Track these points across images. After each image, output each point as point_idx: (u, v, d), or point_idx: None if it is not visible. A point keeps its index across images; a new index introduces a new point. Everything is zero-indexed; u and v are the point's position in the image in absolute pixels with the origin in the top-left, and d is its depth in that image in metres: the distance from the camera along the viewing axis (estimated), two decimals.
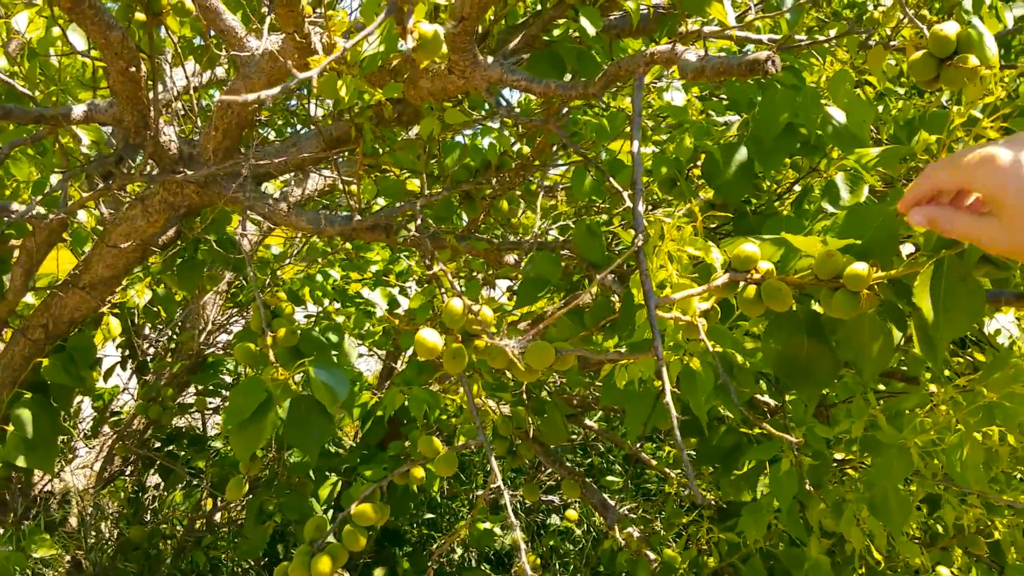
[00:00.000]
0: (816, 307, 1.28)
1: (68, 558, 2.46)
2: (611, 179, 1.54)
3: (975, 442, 1.42)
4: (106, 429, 3.19)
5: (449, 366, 1.28)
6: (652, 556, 2.12)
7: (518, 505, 2.94)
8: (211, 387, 3.03)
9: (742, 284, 1.18)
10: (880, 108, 2.15)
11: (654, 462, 2.40)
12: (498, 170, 1.97)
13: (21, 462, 2.18)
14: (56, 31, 2.03)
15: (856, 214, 1.15)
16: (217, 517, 3.10)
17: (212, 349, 3.03)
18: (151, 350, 3.34)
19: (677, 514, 2.30)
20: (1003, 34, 2.37)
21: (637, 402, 1.57)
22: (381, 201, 3.43)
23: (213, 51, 2.26)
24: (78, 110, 1.82)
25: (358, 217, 1.79)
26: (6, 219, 1.97)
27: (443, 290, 1.79)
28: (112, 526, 2.47)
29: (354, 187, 2.97)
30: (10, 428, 2.21)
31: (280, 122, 3.26)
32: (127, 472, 2.97)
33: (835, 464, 1.72)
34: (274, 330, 1.72)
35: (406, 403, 2.09)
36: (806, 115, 1.47)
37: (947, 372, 1.65)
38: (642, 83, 1.41)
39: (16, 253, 2.20)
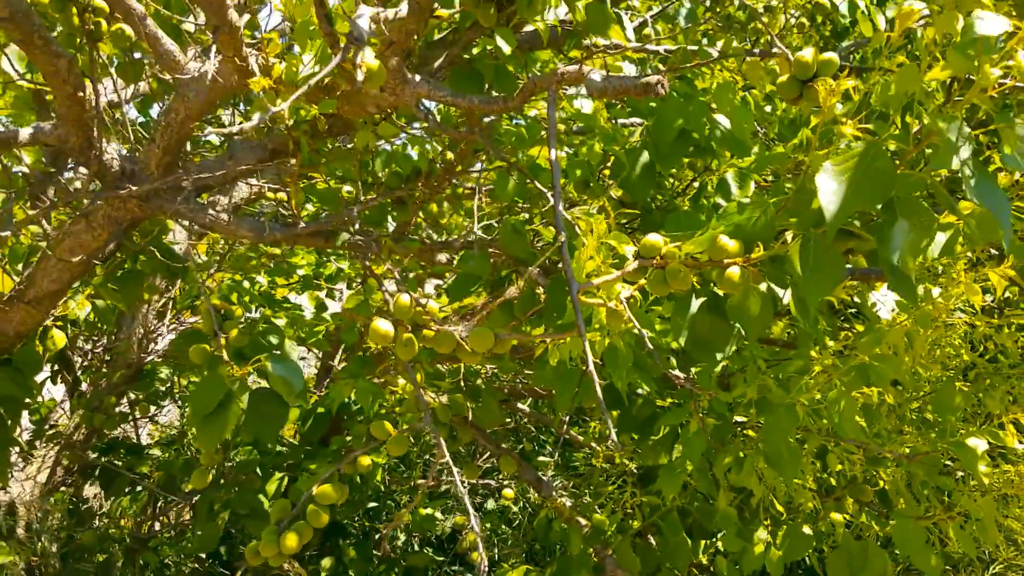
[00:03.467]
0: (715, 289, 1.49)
1: (21, 565, 2.51)
2: (535, 182, 1.73)
3: (850, 398, 1.66)
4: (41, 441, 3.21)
5: (401, 352, 1.44)
6: (583, 522, 2.33)
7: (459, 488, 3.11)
8: (146, 396, 3.09)
9: (649, 269, 1.38)
10: (768, 108, 2.40)
11: (581, 438, 2.61)
12: (427, 176, 2.13)
13: None
14: None
15: (741, 207, 1.37)
16: (157, 523, 3.17)
17: (151, 357, 3.09)
18: (83, 362, 3.37)
19: (603, 485, 2.52)
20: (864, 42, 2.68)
21: (565, 380, 1.76)
22: (309, 207, 3.55)
23: (146, 69, 2.35)
24: (24, 133, 1.90)
25: (303, 224, 1.93)
26: None
27: (384, 288, 1.95)
28: (61, 532, 2.53)
29: (283, 195, 3.09)
30: None
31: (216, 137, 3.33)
32: (68, 482, 3.01)
33: (735, 425, 1.95)
34: (226, 332, 1.85)
35: (350, 398, 2.24)
36: (696, 122, 1.69)
37: (828, 341, 1.90)
38: (555, 99, 1.61)
39: None
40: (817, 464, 2.22)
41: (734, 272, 1.29)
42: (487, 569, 2.88)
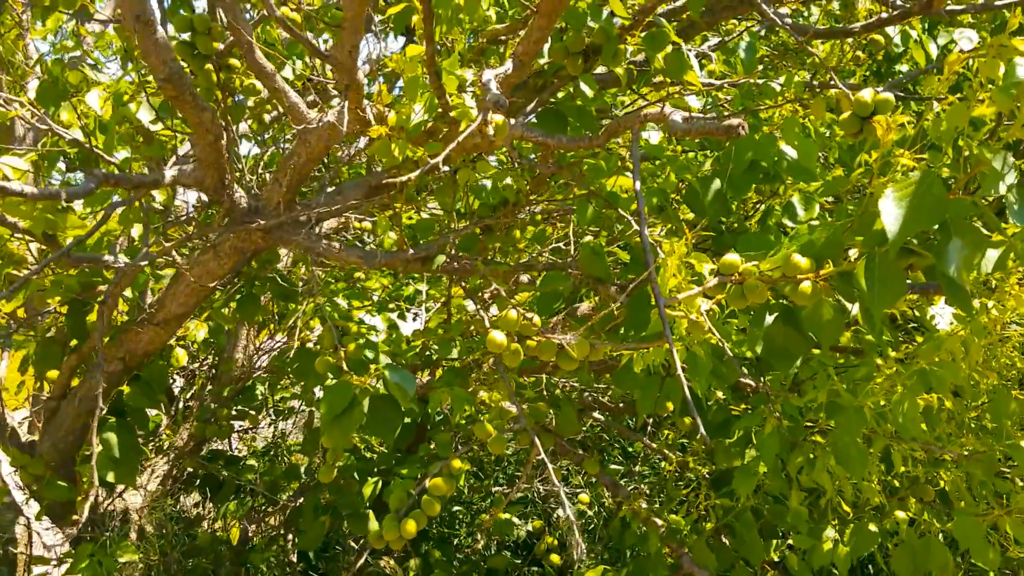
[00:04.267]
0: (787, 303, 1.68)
1: (141, 565, 2.78)
2: (616, 208, 1.94)
3: (912, 399, 1.83)
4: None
5: (508, 360, 1.66)
6: (659, 523, 2.51)
7: (535, 494, 3.31)
8: (251, 409, 3.38)
9: (728, 285, 1.58)
10: (828, 134, 2.58)
11: (654, 445, 2.79)
12: (514, 206, 2.36)
13: (111, 478, 2.51)
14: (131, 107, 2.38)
15: (811, 228, 1.56)
16: (252, 528, 3.43)
17: (257, 373, 3.37)
18: (186, 380, 3.67)
19: (676, 490, 2.70)
20: (928, 68, 2.84)
21: (648, 386, 1.96)
22: (392, 235, 3.81)
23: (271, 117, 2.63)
24: (168, 175, 2.17)
25: (411, 251, 2.17)
26: (100, 268, 2.31)
27: (478, 307, 2.18)
28: (175, 536, 2.80)
29: (368, 224, 3.33)
30: (98, 448, 2.54)
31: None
32: (176, 490, 3.29)
33: (807, 428, 2.12)
34: (344, 345, 2.09)
35: (433, 411, 2.46)
36: (765, 153, 1.89)
37: (891, 352, 2.06)
38: (638, 136, 1.83)
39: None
40: (882, 467, 2.37)
41: (807, 286, 1.48)
42: (571, 566, 3.07)
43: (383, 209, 3.43)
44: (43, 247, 2.32)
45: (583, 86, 2.02)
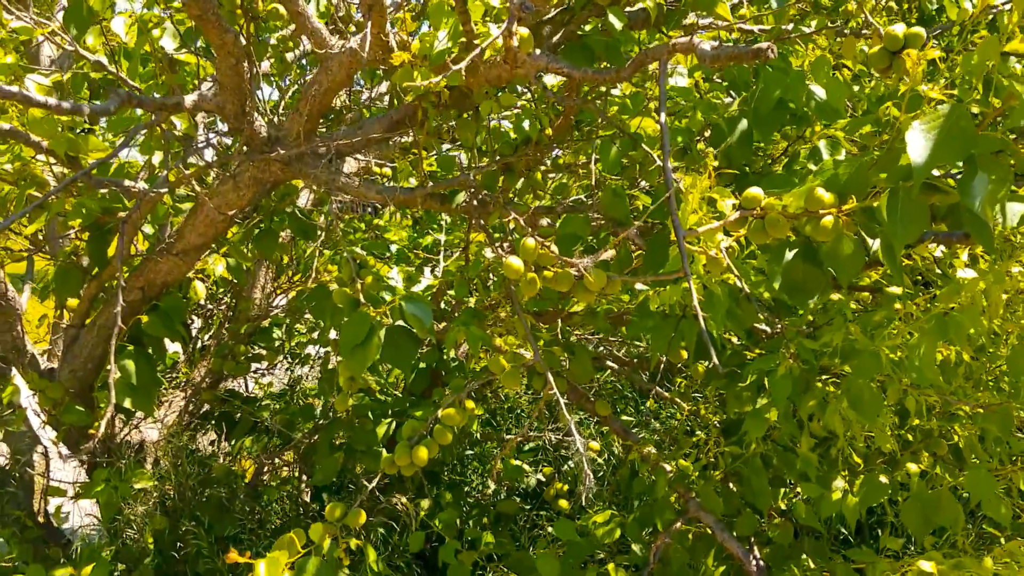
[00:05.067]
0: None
1: (155, 494, 2.83)
2: (642, 144, 1.93)
3: (930, 343, 1.81)
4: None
5: (525, 289, 1.66)
6: (668, 468, 2.52)
7: (546, 443, 3.33)
8: (266, 349, 3.41)
9: (749, 219, 1.56)
10: (856, 88, 2.54)
11: (667, 394, 2.80)
12: (536, 144, 2.34)
13: (128, 404, 2.55)
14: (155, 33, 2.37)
15: (836, 163, 1.54)
16: (268, 465, 3.48)
17: (274, 312, 3.40)
18: (201, 319, 3.71)
19: (686, 441, 2.70)
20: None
21: (663, 326, 1.95)
22: (412, 180, 3.81)
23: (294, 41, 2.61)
24: (189, 99, 2.17)
25: (431, 184, 2.16)
26: (121, 193, 2.32)
27: (497, 243, 2.17)
28: (194, 466, 2.84)
29: (388, 171, 3.32)
30: (116, 375, 2.58)
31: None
32: (192, 426, 3.34)
33: (821, 375, 2.11)
34: (362, 278, 2.10)
35: (448, 356, 2.46)
36: (794, 93, 1.86)
37: (911, 304, 2.04)
38: (666, 68, 1.80)
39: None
40: (895, 419, 2.36)
41: (828, 220, 1.46)
42: (579, 511, 3.10)
43: (404, 154, 3.41)
44: (65, 169, 2.33)
45: (612, 18, 1.99)
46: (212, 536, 2.63)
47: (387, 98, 3.27)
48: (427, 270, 4.61)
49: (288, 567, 1.70)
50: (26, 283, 3.77)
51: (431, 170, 3.66)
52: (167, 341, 2.90)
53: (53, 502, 3.45)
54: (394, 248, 4.33)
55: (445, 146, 2.68)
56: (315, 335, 4.21)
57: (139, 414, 3.19)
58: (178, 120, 2.49)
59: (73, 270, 2.57)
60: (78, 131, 2.12)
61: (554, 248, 1.65)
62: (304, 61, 3.55)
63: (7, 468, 3.15)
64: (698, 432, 2.67)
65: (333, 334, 3.75)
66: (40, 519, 3.30)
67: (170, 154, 2.36)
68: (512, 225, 2.45)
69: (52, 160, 2.21)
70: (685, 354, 2.11)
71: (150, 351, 2.65)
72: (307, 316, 3.72)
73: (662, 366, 2.94)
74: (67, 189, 2.24)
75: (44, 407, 2.66)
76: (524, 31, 1.49)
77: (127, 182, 2.33)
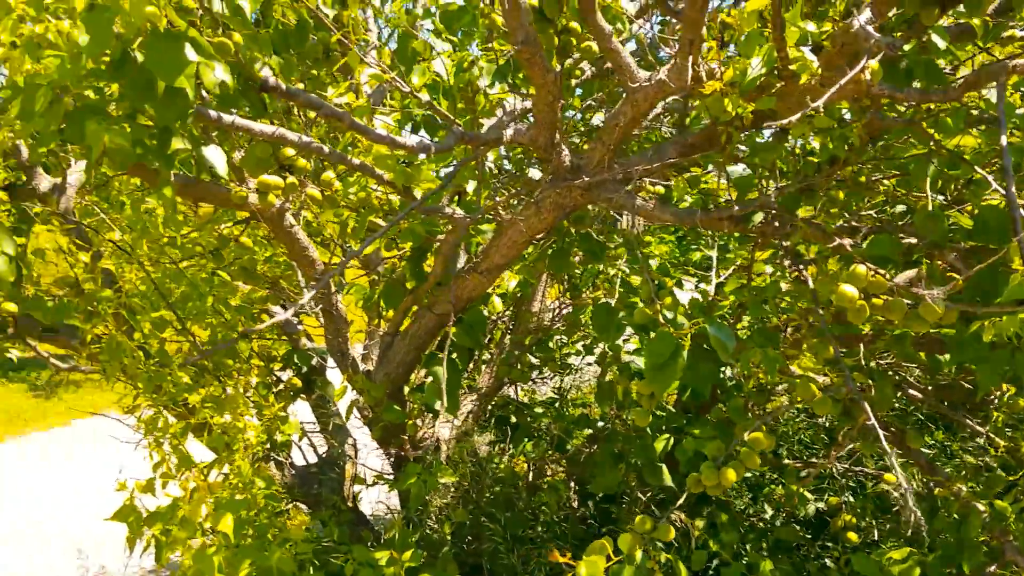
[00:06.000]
0: None
1: (453, 489, 3.10)
2: (969, 163, 1.83)
3: None
4: None
5: (853, 317, 1.64)
6: (981, 507, 2.34)
7: (833, 470, 3.22)
8: (543, 360, 3.61)
9: None
10: None
11: (980, 428, 2.59)
12: (842, 163, 2.29)
13: (439, 407, 2.81)
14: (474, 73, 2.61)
15: None
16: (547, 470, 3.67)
17: (556, 325, 3.60)
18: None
19: (999, 480, 2.49)
20: None
21: (995, 358, 1.83)
22: (688, 199, 3.84)
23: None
24: (507, 134, 2.37)
25: (736, 208, 2.19)
26: (439, 217, 2.58)
27: (796, 265, 2.15)
28: (482, 465, 3.09)
29: (660, 188, 3.38)
30: (428, 380, 2.86)
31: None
32: (478, 426, 3.62)
33: None
34: (661, 299, 2.17)
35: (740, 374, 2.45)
36: None
37: None
38: (1004, 88, 1.70)
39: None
40: None
41: None
42: (871, 544, 2.95)
43: (679, 173, 3.45)
44: (393, 196, 2.64)
45: (935, 37, 1.91)
46: (508, 533, 2.83)
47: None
48: (688, 284, 4.61)
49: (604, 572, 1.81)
50: (339, 292, 4.27)
51: (706, 188, 3.68)
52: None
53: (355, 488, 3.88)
54: (654, 263, 4.38)
55: (740, 166, 2.68)
56: (579, 346, 4.36)
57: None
58: (490, 154, 2.72)
59: (398, 285, 2.89)
60: (414, 163, 2.39)
61: (886, 276, 1.61)
62: (579, 90, 3.71)
63: (327, 458, 3.60)
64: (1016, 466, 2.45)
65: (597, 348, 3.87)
66: (349, 504, 3.72)
67: (482, 183, 2.58)
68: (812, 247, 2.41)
69: (390, 190, 2.51)
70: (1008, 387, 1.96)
71: (455, 358, 2.91)
72: (580, 330, 3.88)
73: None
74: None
75: (367, 405, 3.01)
76: (874, 63, 1.48)
77: (447, 208, 2.59)
